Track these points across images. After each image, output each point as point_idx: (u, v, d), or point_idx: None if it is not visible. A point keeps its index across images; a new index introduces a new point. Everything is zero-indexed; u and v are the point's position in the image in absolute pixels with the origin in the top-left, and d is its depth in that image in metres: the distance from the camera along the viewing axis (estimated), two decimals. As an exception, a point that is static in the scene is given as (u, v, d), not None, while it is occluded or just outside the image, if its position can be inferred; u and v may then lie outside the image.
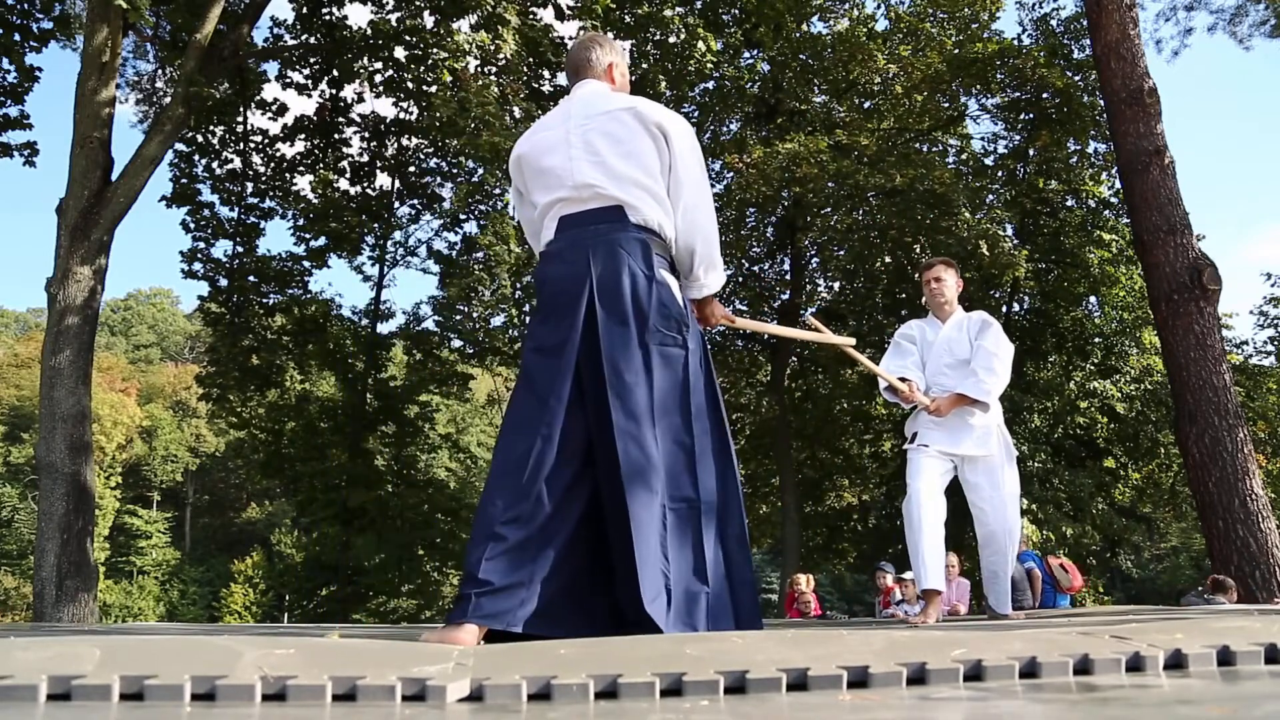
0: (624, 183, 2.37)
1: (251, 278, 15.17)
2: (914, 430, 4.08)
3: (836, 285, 17.72)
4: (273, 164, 14.85)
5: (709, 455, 2.41)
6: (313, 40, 13.31)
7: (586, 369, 2.28)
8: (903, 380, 4.00)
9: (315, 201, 15.27)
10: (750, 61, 15.44)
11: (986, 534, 4.07)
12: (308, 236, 15.65)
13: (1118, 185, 12.04)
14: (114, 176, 10.06)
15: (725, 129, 15.94)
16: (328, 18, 12.91)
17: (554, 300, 2.37)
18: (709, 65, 12.82)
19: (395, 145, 16.07)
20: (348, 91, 14.51)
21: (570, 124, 2.46)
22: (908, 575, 8.65)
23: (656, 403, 2.30)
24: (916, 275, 15.18)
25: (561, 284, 2.36)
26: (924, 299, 4.40)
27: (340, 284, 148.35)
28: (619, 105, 2.45)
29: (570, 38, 13.25)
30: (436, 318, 17.69)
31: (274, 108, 13.94)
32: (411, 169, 16.55)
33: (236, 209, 14.67)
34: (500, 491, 2.17)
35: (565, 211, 2.43)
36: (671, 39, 12.54)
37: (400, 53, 12.51)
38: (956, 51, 14.20)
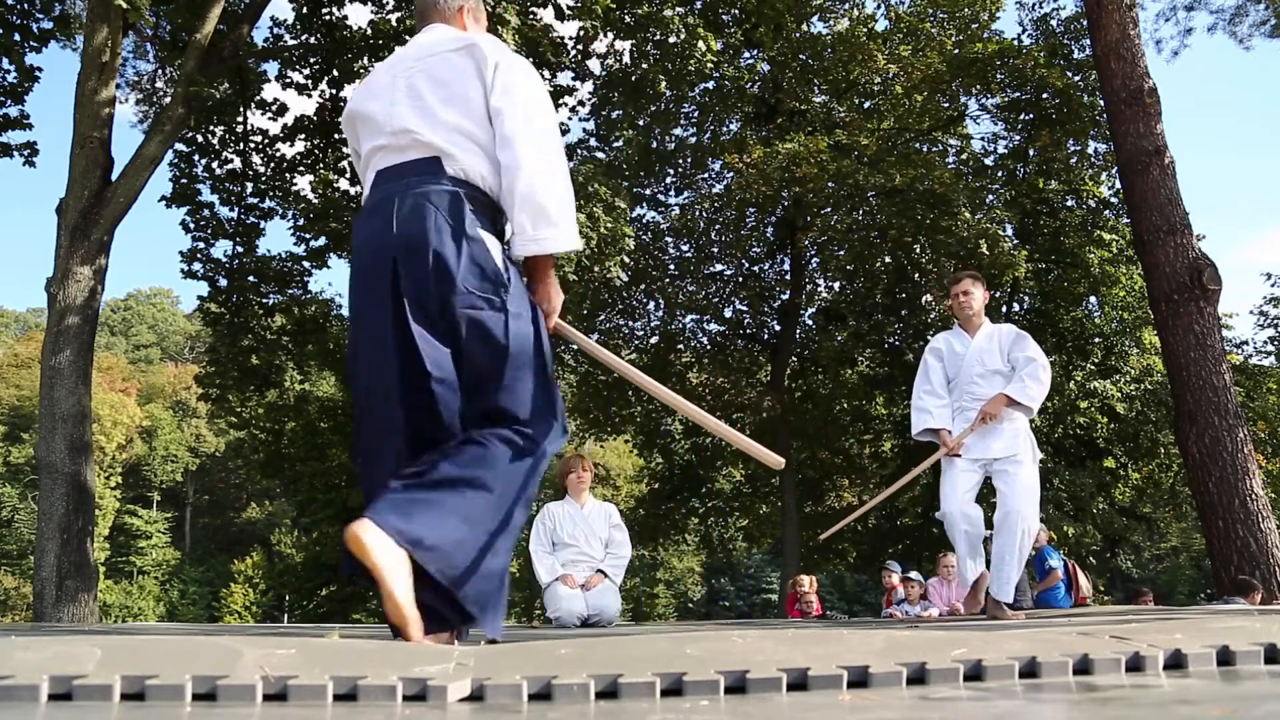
0: (445, 129, 2.12)
1: (251, 278, 15.16)
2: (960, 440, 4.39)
3: (836, 285, 17.73)
4: (273, 164, 14.85)
5: (513, 432, 2.10)
6: (313, 40, 13.31)
7: (398, 338, 2.06)
8: (932, 431, 4.42)
9: (315, 201, 15.26)
10: (750, 61, 15.45)
11: (1003, 514, 4.21)
12: (308, 236, 15.64)
13: (1118, 185, 12.04)
14: (114, 176, 10.06)
15: (725, 129, 15.94)
16: (328, 18, 12.92)
17: (359, 266, 2.15)
18: (709, 65, 12.81)
19: (395, 145, 16.04)
20: (348, 91, 14.50)
21: (398, 68, 2.24)
22: (913, 575, 8.66)
23: (465, 376, 2.08)
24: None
25: (366, 247, 2.13)
26: (951, 311, 4.71)
27: (340, 284, 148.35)
28: (450, 46, 2.21)
29: (570, 38, 13.25)
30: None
31: (274, 108, 13.94)
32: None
33: (236, 209, 14.67)
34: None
35: (382, 164, 2.18)
36: (671, 39, 12.53)
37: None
38: (956, 51, 14.21)
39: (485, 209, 2.14)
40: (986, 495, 4.50)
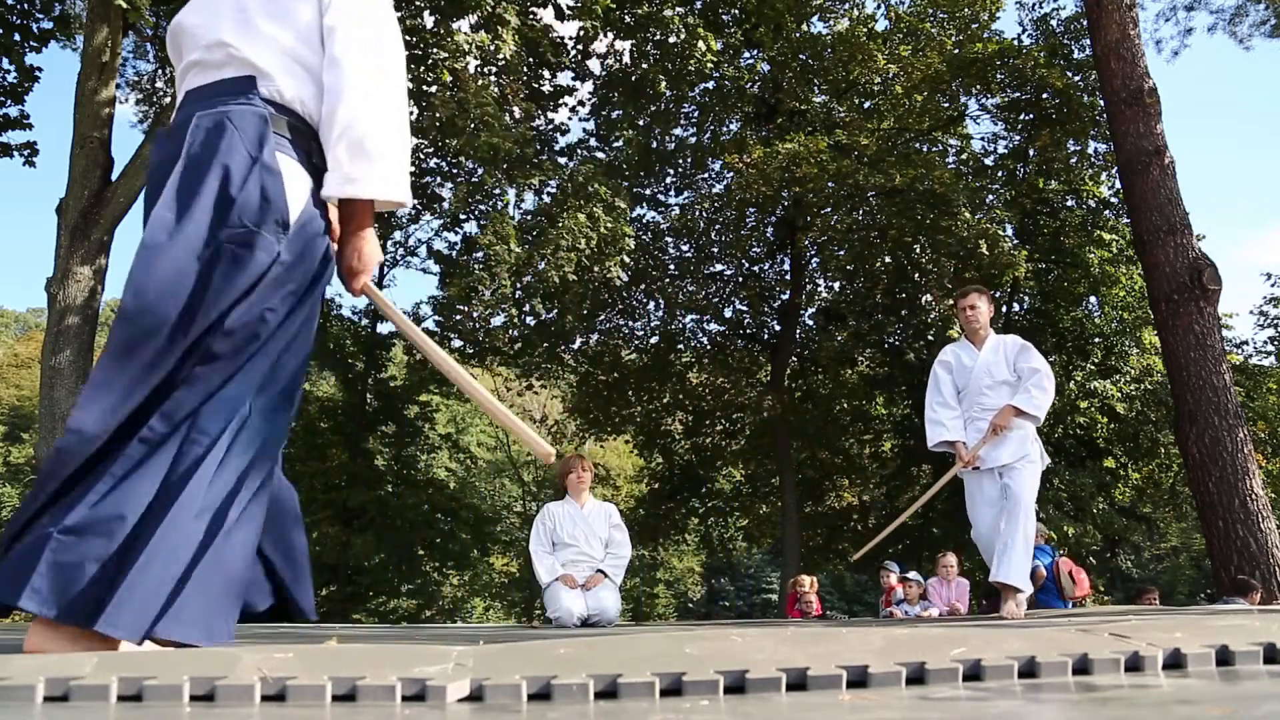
0: (265, 46, 1.88)
1: (251, 278, 15.17)
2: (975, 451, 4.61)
3: (836, 285, 17.73)
4: (272, 164, 14.86)
5: (212, 390, 1.73)
6: (312, 40, 13.31)
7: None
8: (949, 443, 4.64)
9: (315, 201, 15.26)
10: (750, 61, 15.45)
11: (1009, 503, 4.42)
12: (308, 236, 15.64)
13: (1118, 185, 12.05)
14: (114, 176, 10.06)
15: (725, 129, 15.94)
16: (327, 18, 12.91)
17: (147, 190, 1.90)
18: (709, 65, 12.82)
19: (395, 145, 16.05)
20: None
21: None
22: (911, 575, 8.66)
23: (194, 314, 1.71)
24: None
25: (158, 169, 1.86)
26: (958, 324, 4.99)
27: (340, 283, 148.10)
28: None
29: (570, 38, 13.25)
30: (436, 318, 17.69)
31: (274, 108, 13.95)
32: (411, 169, 16.54)
33: (236, 209, 14.68)
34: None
35: (193, 83, 1.92)
36: (671, 39, 12.54)
37: (400, 53, 12.50)
38: (956, 51, 14.21)
39: (302, 139, 1.89)
40: None
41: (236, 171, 1.77)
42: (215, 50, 1.89)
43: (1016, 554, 4.26)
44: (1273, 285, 18.67)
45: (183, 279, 1.71)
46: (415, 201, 17.15)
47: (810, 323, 18.06)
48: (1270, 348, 18.43)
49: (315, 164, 1.90)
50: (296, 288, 1.84)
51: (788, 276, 17.59)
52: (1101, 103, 9.89)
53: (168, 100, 12.09)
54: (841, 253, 15.66)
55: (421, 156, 16.60)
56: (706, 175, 16.96)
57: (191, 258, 1.73)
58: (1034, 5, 15.85)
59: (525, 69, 12.22)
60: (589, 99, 15.08)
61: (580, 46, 13.49)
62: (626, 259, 12.36)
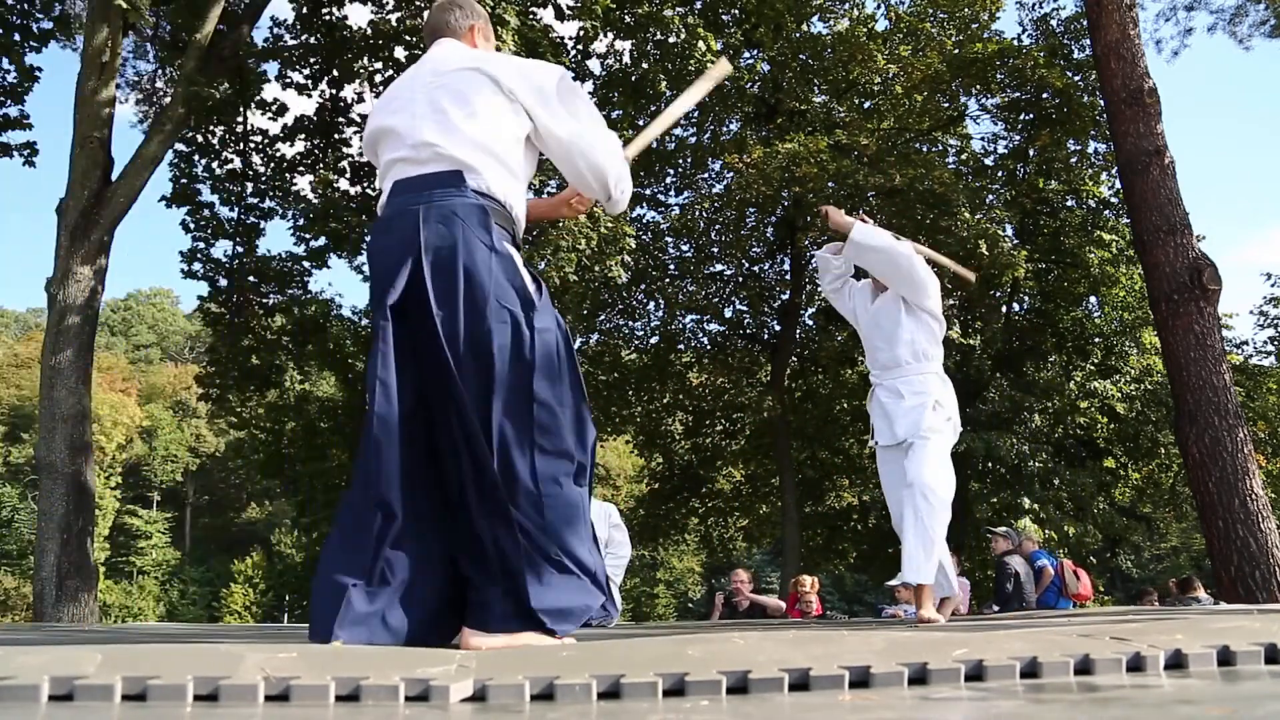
0: (466, 145, 2.12)
1: (251, 278, 15.16)
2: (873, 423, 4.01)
3: (837, 285, 17.68)
4: (273, 164, 14.85)
5: (536, 448, 2.05)
6: (313, 40, 13.31)
7: (424, 352, 2.05)
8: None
9: (315, 201, 15.26)
10: (750, 61, 15.45)
11: (898, 499, 3.76)
12: (308, 236, 15.64)
13: (1118, 185, 12.05)
14: (114, 176, 10.06)
15: (725, 129, 15.94)
16: (328, 18, 12.92)
17: (381, 276, 2.10)
18: (709, 65, 12.81)
19: (395, 145, 16.05)
20: (348, 91, 14.51)
21: (417, 84, 2.24)
22: (897, 581, 8.66)
23: (497, 385, 2.01)
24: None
25: (389, 256, 2.09)
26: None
27: (340, 284, 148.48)
28: (470, 64, 2.21)
29: (570, 37, 13.25)
30: (437, 318, 17.70)
31: (274, 108, 13.94)
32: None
33: (236, 209, 14.67)
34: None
35: (400, 175, 2.17)
36: (671, 39, 12.54)
37: (400, 53, 12.51)
38: (956, 51, 14.21)
39: (506, 224, 2.16)
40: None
41: (481, 260, 2.04)
42: (422, 149, 2.13)
43: (911, 547, 3.63)
44: (1273, 285, 18.69)
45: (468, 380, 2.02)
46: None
47: (810, 323, 18.06)
48: (1270, 348, 18.45)
49: (518, 244, 2.20)
50: (558, 348, 2.12)
51: (788, 276, 17.59)
52: (1101, 103, 9.89)
53: (168, 100, 12.09)
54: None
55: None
56: (706, 175, 16.96)
57: (471, 353, 2.02)
58: (1034, 5, 15.85)
59: (525, 69, 12.20)
60: (589, 99, 15.07)
61: (580, 46, 13.49)
62: (627, 259, 12.36)
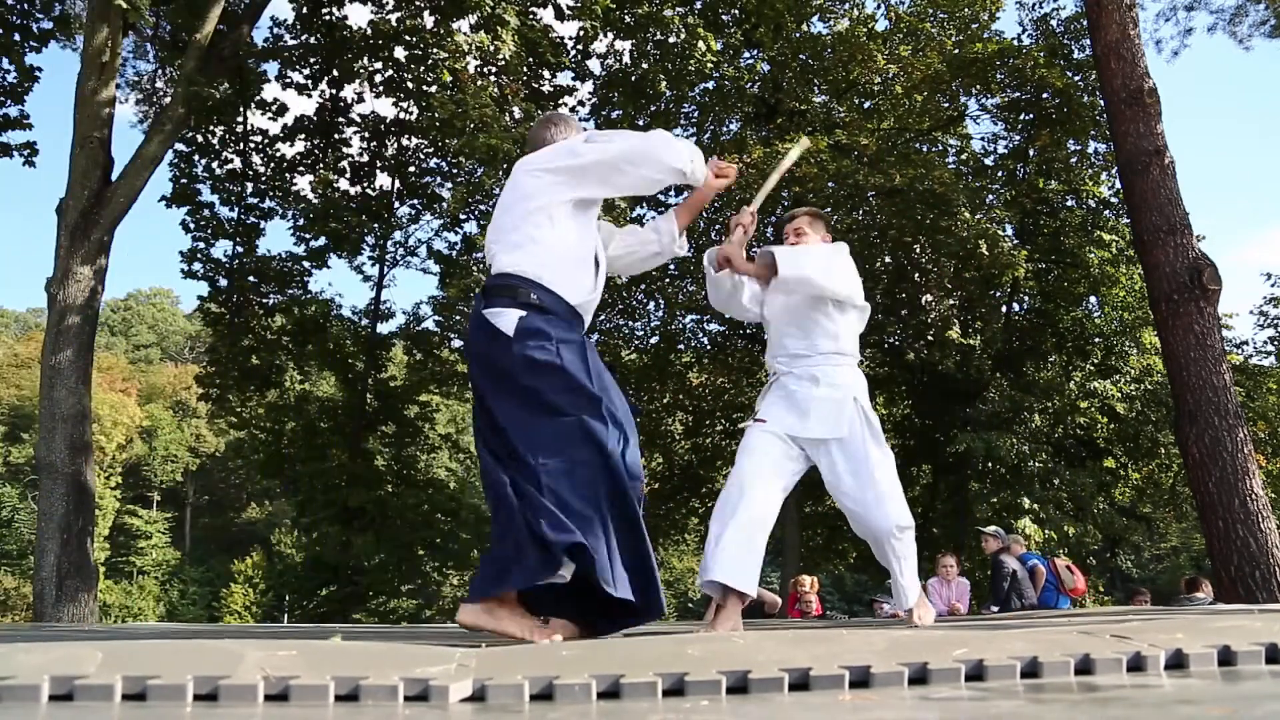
0: (492, 242, 2.68)
1: (251, 278, 15.17)
2: (759, 406, 3.41)
3: (836, 285, 17.67)
4: (273, 164, 14.86)
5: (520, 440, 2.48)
6: (313, 40, 13.32)
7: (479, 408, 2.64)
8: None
9: (315, 201, 15.27)
10: (750, 61, 15.44)
11: (861, 533, 3.30)
12: (308, 236, 15.65)
13: (1118, 185, 12.04)
14: (114, 176, 10.06)
15: (725, 129, 15.94)
16: (328, 18, 12.92)
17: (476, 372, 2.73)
18: (709, 65, 12.82)
19: (395, 145, 16.07)
20: (348, 91, 14.52)
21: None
22: None
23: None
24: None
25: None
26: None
27: (340, 284, 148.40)
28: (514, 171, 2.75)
29: (570, 38, 13.25)
30: (436, 318, 17.70)
31: (274, 108, 13.94)
32: (411, 169, 16.56)
33: (236, 209, 14.67)
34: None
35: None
36: (671, 39, 12.54)
37: (400, 53, 12.52)
38: (956, 51, 14.20)
39: (513, 293, 2.57)
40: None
41: (482, 337, 2.57)
42: (489, 246, 2.73)
43: (909, 580, 3.33)
44: (1273, 285, 18.68)
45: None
46: (415, 201, 17.16)
47: (810, 323, 18.03)
48: (1270, 348, 18.43)
49: (521, 301, 2.57)
50: (527, 373, 2.56)
51: (788, 276, 17.55)
52: (1101, 103, 9.89)
53: (168, 100, 12.09)
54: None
55: (421, 156, 16.60)
56: (706, 175, 16.95)
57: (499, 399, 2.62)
58: (1034, 5, 15.84)
59: (525, 69, 12.22)
60: (589, 99, 15.07)
61: (580, 46, 13.49)
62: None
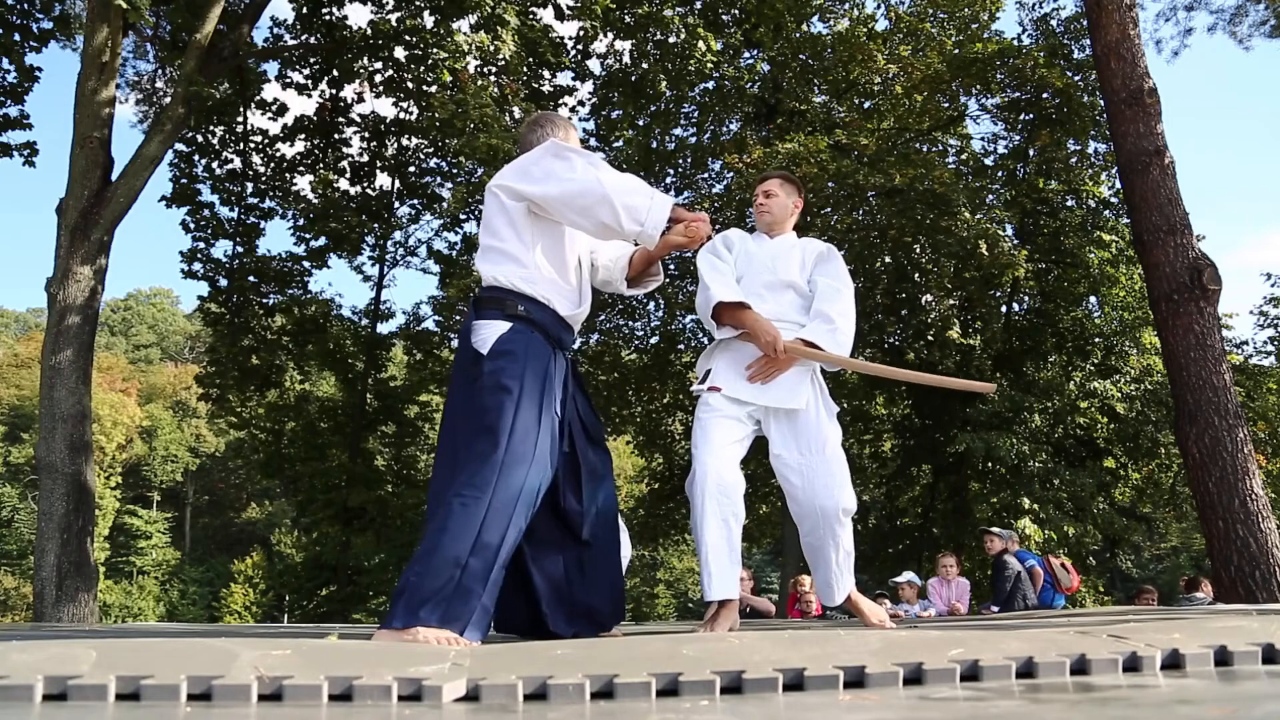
0: (479, 255, 2.78)
1: (251, 278, 15.18)
2: (706, 367, 3.18)
3: (836, 285, 17.66)
4: (273, 164, 14.86)
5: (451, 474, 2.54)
6: (313, 40, 13.31)
7: None
8: (741, 306, 3.10)
9: (315, 201, 15.28)
10: (750, 61, 15.44)
11: (800, 513, 3.05)
12: (308, 236, 15.66)
13: (1118, 185, 12.04)
14: (114, 176, 10.06)
15: (725, 129, 15.93)
16: (328, 18, 12.92)
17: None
18: (709, 65, 12.82)
19: (395, 145, 16.08)
20: (348, 91, 14.52)
21: None
22: (903, 579, 8.65)
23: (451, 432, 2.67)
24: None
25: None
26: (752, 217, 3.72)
27: (340, 284, 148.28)
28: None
29: (570, 38, 13.25)
30: (436, 318, 17.71)
31: (274, 108, 13.94)
32: (411, 169, 16.56)
33: (236, 209, 14.68)
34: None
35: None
36: (671, 39, 12.54)
37: (400, 53, 12.51)
38: (956, 51, 14.19)
39: (498, 302, 2.66)
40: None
41: (467, 345, 2.69)
42: (476, 260, 2.85)
43: (835, 572, 3.13)
44: (1273, 285, 18.67)
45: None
46: (415, 201, 17.17)
47: (810, 322, 18.02)
48: (1270, 348, 18.42)
49: (508, 311, 2.64)
50: (496, 394, 2.62)
51: (787, 276, 17.55)
52: (1101, 103, 9.88)
53: (168, 100, 12.09)
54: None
55: (421, 156, 16.61)
56: (706, 175, 16.94)
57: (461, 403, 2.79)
58: (1034, 5, 15.84)
59: (525, 69, 12.22)
60: (589, 99, 15.08)
61: (580, 46, 13.49)
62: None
